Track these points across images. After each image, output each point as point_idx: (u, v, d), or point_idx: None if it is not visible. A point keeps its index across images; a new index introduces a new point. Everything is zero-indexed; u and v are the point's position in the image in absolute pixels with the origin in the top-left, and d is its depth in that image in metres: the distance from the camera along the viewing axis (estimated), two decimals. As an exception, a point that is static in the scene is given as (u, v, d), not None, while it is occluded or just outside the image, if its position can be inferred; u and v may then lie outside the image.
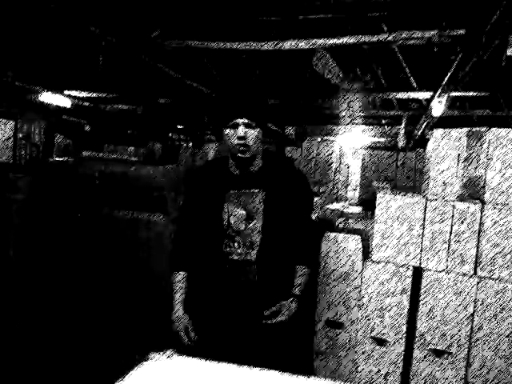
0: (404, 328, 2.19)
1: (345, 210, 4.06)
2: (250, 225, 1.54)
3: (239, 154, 1.50)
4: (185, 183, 1.72)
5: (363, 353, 2.26)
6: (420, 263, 2.18)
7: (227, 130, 1.50)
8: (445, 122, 6.67)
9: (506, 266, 2.03)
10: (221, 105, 1.52)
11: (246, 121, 1.47)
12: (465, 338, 2.07)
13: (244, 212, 1.54)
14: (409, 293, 2.19)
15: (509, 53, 3.03)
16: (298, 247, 1.64)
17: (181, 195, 2.88)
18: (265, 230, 1.54)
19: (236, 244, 1.55)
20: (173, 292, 1.62)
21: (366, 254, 2.31)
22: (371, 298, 2.23)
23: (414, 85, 5.72)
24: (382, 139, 9.82)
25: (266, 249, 1.55)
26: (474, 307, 2.06)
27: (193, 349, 1.48)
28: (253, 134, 1.49)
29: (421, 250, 2.18)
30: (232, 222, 1.55)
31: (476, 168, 2.22)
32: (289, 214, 1.57)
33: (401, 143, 8.19)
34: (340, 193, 6.27)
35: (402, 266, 2.20)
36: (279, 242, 1.57)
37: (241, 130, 1.47)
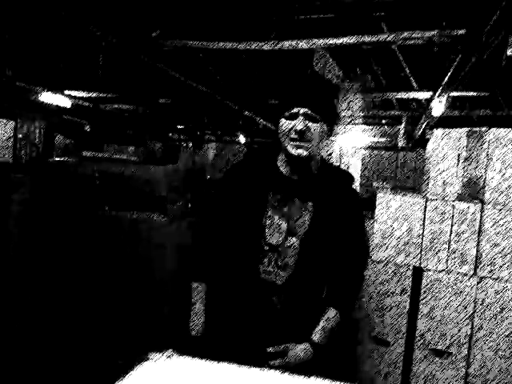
0: (404, 328, 2.19)
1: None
2: (288, 242, 1.27)
3: (294, 151, 1.23)
4: (218, 181, 1.43)
5: (363, 353, 2.26)
6: (420, 263, 2.18)
7: (283, 121, 1.24)
8: (445, 122, 6.67)
9: (506, 265, 2.03)
10: (280, 88, 1.27)
11: (309, 112, 1.21)
12: (465, 338, 2.07)
13: (285, 224, 1.27)
14: (409, 293, 2.19)
15: (509, 53, 3.02)
16: (335, 285, 1.34)
17: (181, 195, 2.88)
18: (303, 251, 1.26)
19: (267, 260, 1.27)
20: (192, 302, 1.39)
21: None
22: (371, 297, 2.23)
23: (414, 85, 5.72)
24: (382, 139, 9.81)
25: (299, 274, 1.27)
26: (474, 307, 2.06)
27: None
28: (315, 128, 1.22)
29: (421, 250, 2.18)
30: (268, 233, 1.27)
31: (476, 168, 2.22)
32: (335, 242, 1.30)
33: (401, 143, 8.18)
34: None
35: (402, 266, 2.20)
36: (317, 271, 1.30)
37: (301, 122, 1.20)
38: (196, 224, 1.82)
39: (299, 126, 1.20)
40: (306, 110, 1.21)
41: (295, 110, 1.21)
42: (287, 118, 1.23)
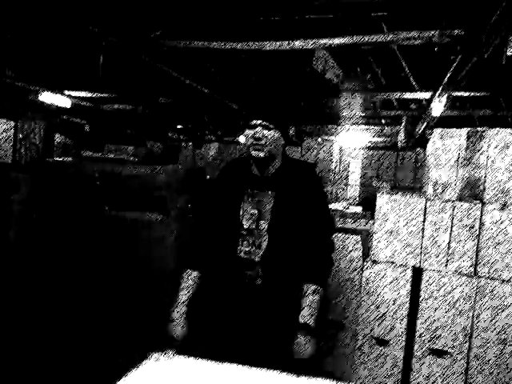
0: (404, 328, 2.19)
1: (345, 210, 4.06)
2: (260, 225, 1.56)
3: (254, 153, 1.54)
4: (208, 181, 1.73)
5: (363, 353, 2.26)
6: (420, 263, 2.18)
7: (246, 130, 1.57)
8: (445, 122, 6.67)
9: (505, 266, 2.03)
10: (241, 106, 1.59)
11: (264, 123, 1.53)
12: (465, 338, 2.07)
13: (256, 211, 1.57)
14: (409, 293, 2.19)
15: (509, 53, 3.02)
16: (307, 260, 1.55)
17: (181, 195, 2.88)
18: (271, 231, 1.54)
19: (246, 243, 1.57)
20: (179, 289, 1.58)
21: (366, 254, 2.31)
22: (371, 297, 2.23)
23: (414, 85, 5.72)
24: (382, 139, 9.82)
25: (271, 251, 1.53)
26: (474, 307, 2.06)
27: (189, 347, 1.47)
28: (269, 135, 1.53)
29: (421, 250, 2.18)
30: (245, 221, 1.57)
31: (476, 168, 2.22)
32: (298, 218, 1.55)
33: (401, 143, 8.18)
34: (340, 193, 6.27)
35: (402, 266, 2.20)
36: (287, 246, 1.55)
37: (258, 131, 1.53)
38: (193, 219, 2.10)
39: (257, 134, 1.53)
40: (262, 121, 1.53)
41: (254, 122, 1.54)
42: (249, 128, 1.55)
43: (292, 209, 1.55)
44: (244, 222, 1.57)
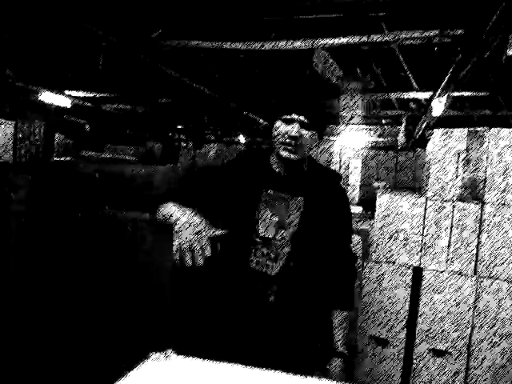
0: (404, 328, 2.19)
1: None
2: (279, 235, 1.32)
3: (284, 154, 1.30)
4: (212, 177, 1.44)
5: (363, 352, 2.26)
6: (420, 263, 2.18)
7: (279, 123, 1.31)
8: (445, 122, 6.67)
9: (505, 265, 2.03)
10: (280, 89, 1.32)
11: (305, 120, 1.28)
12: (465, 338, 2.07)
13: (277, 219, 1.33)
14: (409, 292, 2.19)
15: (509, 53, 3.02)
16: (334, 284, 1.38)
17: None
18: (295, 243, 1.31)
19: (259, 253, 1.32)
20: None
21: (366, 253, 2.31)
22: (371, 297, 2.23)
23: (414, 85, 5.72)
24: (382, 139, 9.82)
25: (290, 266, 1.31)
26: (474, 307, 2.06)
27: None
28: (307, 135, 1.30)
29: (421, 250, 2.18)
30: (261, 227, 1.32)
31: (476, 168, 2.22)
32: (325, 232, 1.35)
33: (401, 143, 8.18)
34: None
35: (402, 266, 2.20)
36: (308, 263, 1.33)
37: (296, 129, 1.28)
38: None
39: (294, 133, 1.27)
40: (302, 118, 1.28)
41: (292, 117, 1.28)
42: (283, 122, 1.30)
43: (319, 222, 1.34)
44: (260, 229, 1.32)
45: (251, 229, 1.33)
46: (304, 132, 1.29)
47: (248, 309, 1.33)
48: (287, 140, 1.29)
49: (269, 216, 1.33)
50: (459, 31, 3.33)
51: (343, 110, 6.80)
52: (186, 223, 1.16)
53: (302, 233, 1.32)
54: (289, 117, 1.29)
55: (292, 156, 1.30)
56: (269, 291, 1.31)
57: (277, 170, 1.38)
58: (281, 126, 1.30)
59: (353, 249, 1.51)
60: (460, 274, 2.10)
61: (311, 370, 1.28)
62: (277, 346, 1.31)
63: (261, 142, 11.17)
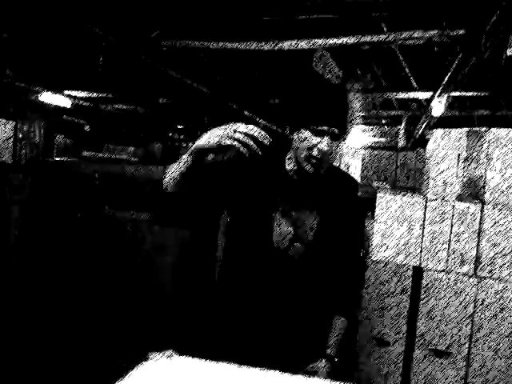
0: (404, 328, 2.19)
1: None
2: (294, 247, 1.25)
3: (311, 170, 1.17)
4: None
5: (363, 352, 2.26)
6: (420, 263, 2.18)
7: (307, 133, 1.15)
8: (445, 122, 6.67)
9: (506, 265, 2.03)
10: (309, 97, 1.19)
11: (337, 131, 1.14)
12: (465, 338, 2.07)
13: (291, 229, 1.24)
14: (409, 293, 2.18)
15: (509, 53, 3.02)
16: (339, 292, 1.34)
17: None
18: (308, 257, 1.26)
19: (272, 264, 1.26)
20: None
21: (366, 253, 2.31)
22: (371, 297, 2.23)
23: (414, 85, 5.72)
24: (382, 139, 9.82)
25: (302, 279, 1.28)
26: (474, 307, 2.06)
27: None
28: (333, 147, 1.16)
29: (421, 250, 2.18)
30: (275, 237, 1.24)
31: (476, 168, 2.22)
32: (337, 245, 1.30)
33: (401, 143, 8.19)
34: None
35: (402, 266, 2.20)
36: (319, 275, 1.30)
37: (327, 142, 1.13)
38: None
39: (325, 147, 1.13)
40: (334, 129, 1.14)
41: (324, 128, 1.14)
42: (312, 132, 1.15)
43: (335, 233, 1.28)
44: (274, 240, 1.24)
45: (265, 239, 1.24)
46: (334, 145, 1.16)
47: (259, 316, 1.29)
48: (315, 154, 1.15)
49: (284, 227, 1.24)
50: (459, 31, 3.33)
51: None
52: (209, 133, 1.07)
53: (317, 246, 1.26)
54: (321, 128, 1.14)
55: (317, 171, 1.18)
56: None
57: (294, 177, 1.26)
58: (309, 138, 1.15)
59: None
60: (460, 273, 2.10)
61: (296, 369, 1.23)
62: (275, 346, 1.30)
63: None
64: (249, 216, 1.26)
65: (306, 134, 1.15)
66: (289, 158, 1.29)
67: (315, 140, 1.14)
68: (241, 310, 1.31)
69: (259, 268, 1.27)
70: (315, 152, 1.15)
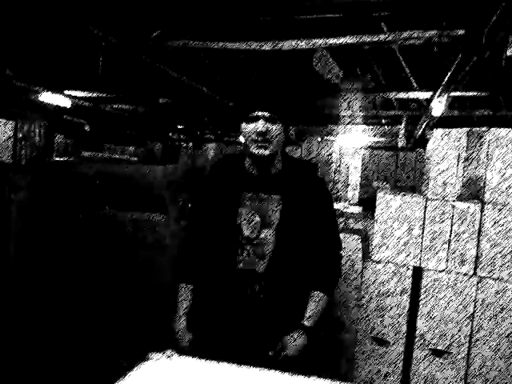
0: (404, 328, 2.19)
1: (345, 210, 4.06)
2: (263, 233, 1.37)
3: (257, 151, 1.34)
4: (194, 184, 1.57)
5: (363, 353, 2.26)
6: (420, 263, 2.18)
7: (244, 124, 1.35)
8: (445, 122, 6.67)
9: (506, 265, 2.03)
10: (240, 97, 1.37)
11: (269, 114, 1.32)
12: (465, 338, 2.07)
13: (259, 219, 1.38)
14: (409, 293, 2.19)
15: (509, 53, 3.03)
16: (315, 268, 1.42)
17: (181, 195, 2.88)
18: (278, 240, 1.36)
19: (245, 253, 1.38)
20: (177, 303, 1.46)
21: (366, 253, 2.31)
22: (371, 297, 2.23)
23: (414, 85, 5.72)
24: (382, 139, 9.83)
25: (277, 262, 1.36)
26: (474, 307, 2.06)
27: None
28: (274, 129, 1.33)
29: (421, 250, 2.18)
30: (244, 228, 1.38)
31: (476, 168, 2.22)
32: (306, 226, 1.39)
33: (401, 143, 8.19)
34: (340, 193, 6.27)
35: (402, 266, 2.20)
36: (294, 257, 1.38)
37: (261, 124, 1.31)
38: (184, 226, 1.91)
39: (260, 128, 1.31)
40: (265, 113, 1.32)
41: (256, 114, 1.32)
42: (249, 121, 1.34)
43: (300, 215, 1.38)
44: (244, 230, 1.38)
45: (235, 231, 1.39)
46: (270, 126, 1.32)
47: (239, 306, 1.39)
48: (256, 137, 1.32)
49: (250, 217, 1.38)
50: (459, 31, 3.33)
51: (343, 110, 6.80)
52: None
53: (285, 228, 1.37)
54: (253, 114, 1.32)
55: (264, 152, 1.33)
56: (258, 288, 1.37)
57: (252, 171, 1.42)
58: (247, 126, 1.34)
59: (340, 236, 1.54)
60: (460, 273, 2.10)
61: (273, 341, 1.36)
62: (264, 335, 1.38)
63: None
64: (220, 217, 1.41)
65: (243, 124, 1.35)
66: (246, 160, 1.44)
67: (251, 126, 1.33)
68: (221, 304, 1.41)
69: (233, 261, 1.39)
70: (255, 135, 1.32)
